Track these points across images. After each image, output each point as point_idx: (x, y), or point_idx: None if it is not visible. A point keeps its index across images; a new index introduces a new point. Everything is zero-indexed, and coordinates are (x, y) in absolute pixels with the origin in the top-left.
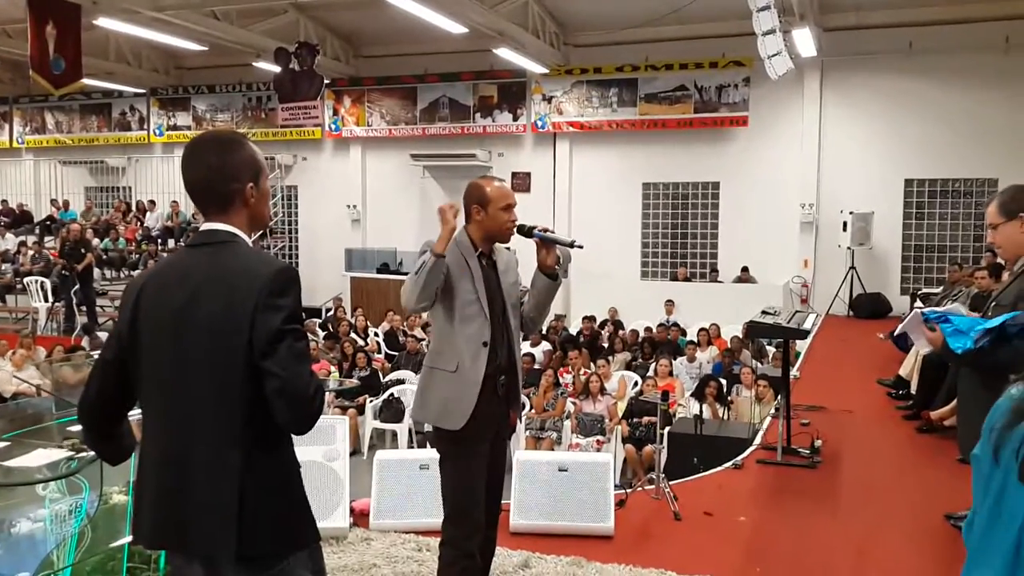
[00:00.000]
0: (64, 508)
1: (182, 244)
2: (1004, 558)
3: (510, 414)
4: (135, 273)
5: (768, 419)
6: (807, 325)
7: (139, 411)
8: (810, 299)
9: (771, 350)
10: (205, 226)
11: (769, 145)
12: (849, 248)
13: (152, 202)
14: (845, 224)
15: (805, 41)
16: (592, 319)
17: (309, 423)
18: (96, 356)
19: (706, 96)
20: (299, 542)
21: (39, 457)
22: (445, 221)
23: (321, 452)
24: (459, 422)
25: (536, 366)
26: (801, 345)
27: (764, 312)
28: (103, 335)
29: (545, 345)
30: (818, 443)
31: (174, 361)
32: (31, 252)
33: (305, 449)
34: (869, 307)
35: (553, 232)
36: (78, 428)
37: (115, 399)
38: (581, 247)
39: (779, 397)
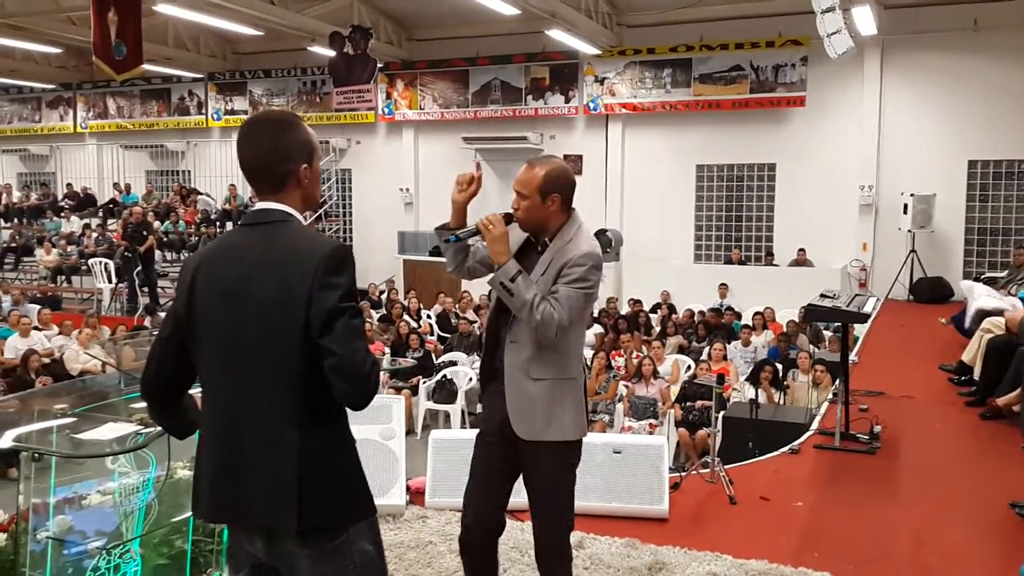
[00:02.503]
0: (132, 481)
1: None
2: None
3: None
4: None
5: (825, 404)
6: (867, 309)
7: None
8: (869, 283)
9: (828, 335)
10: (259, 205)
11: (827, 126)
12: (910, 231)
13: (195, 190)
14: (906, 206)
15: (865, 19)
16: (639, 302)
17: (367, 398)
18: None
19: (762, 76)
20: (358, 514)
21: (109, 431)
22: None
23: (378, 431)
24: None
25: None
26: (859, 330)
27: (823, 295)
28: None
29: (596, 328)
30: (877, 429)
31: (229, 340)
32: (95, 234)
33: (362, 428)
34: (930, 291)
35: (467, 230)
36: (143, 404)
37: (174, 375)
38: (476, 233)
39: (837, 382)
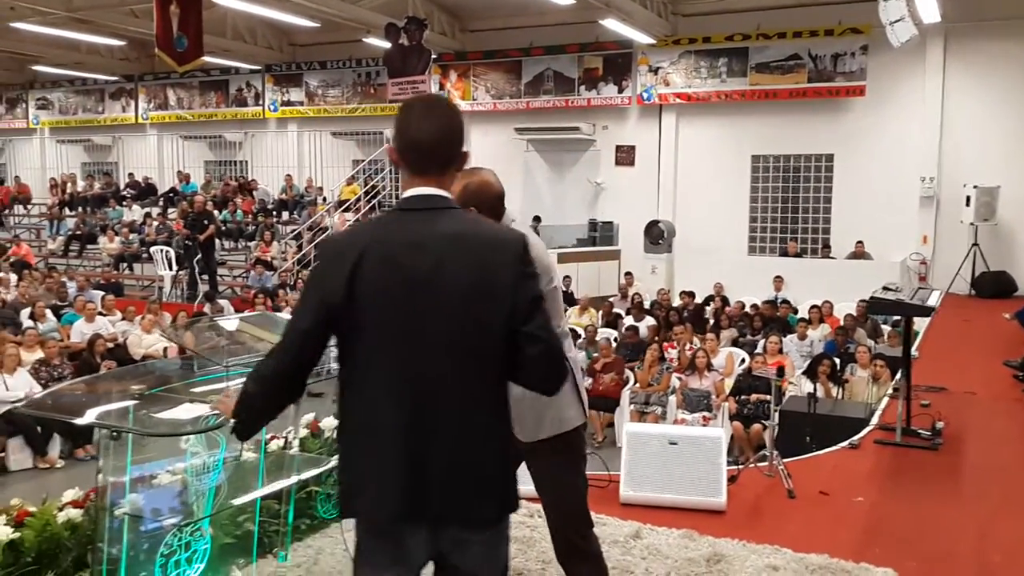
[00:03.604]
0: (203, 462)
1: (390, 209)
2: None
3: None
4: (252, 244)
5: (885, 399)
6: (931, 302)
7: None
8: (929, 277)
9: (886, 329)
10: (420, 191)
11: (887, 116)
12: (972, 224)
13: (253, 181)
14: (968, 199)
15: (928, 6)
16: (692, 295)
17: (563, 384)
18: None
19: (820, 65)
20: (518, 500)
21: (185, 411)
22: None
23: None
24: None
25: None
26: (919, 324)
27: (886, 288)
28: (224, 302)
29: (649, 320)
30: (940, 425)
31: (417, 330)
32: (155, 223)
33: None
34: (993, 286)
35: None
36: (205, 388)
37: (307, 370)
38: None
39: (897, 377)
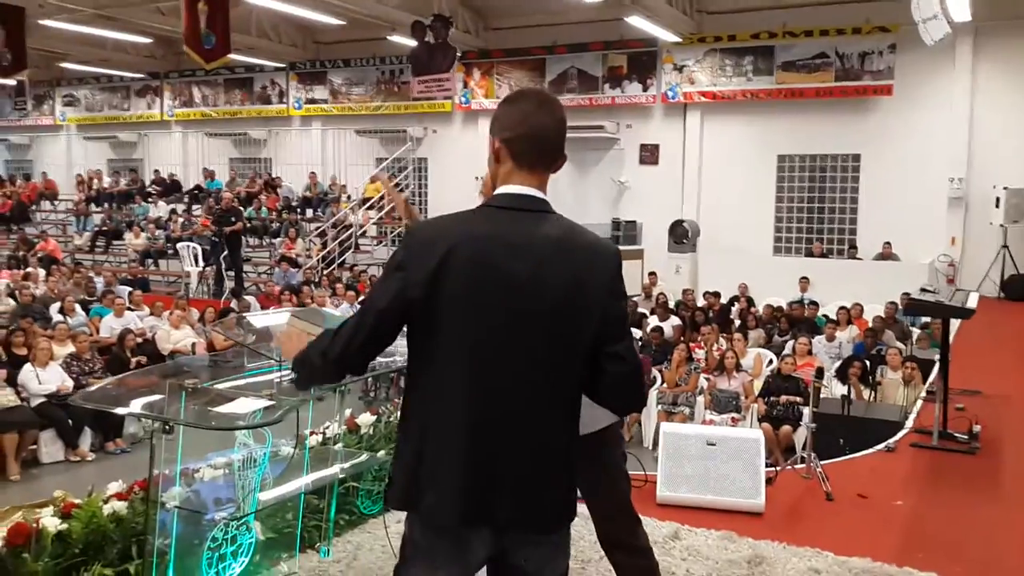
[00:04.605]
0: (250, 455)
1: (488, 207)
2: None
3: None
4: (276, 241)
5: (919, 402)
6: (970, 304)
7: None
8: (957, 279)
9: (915, 331)
10: (522, 190)
11: (915, 115)
12: (1002, 225)
13: (278, 178)
14: (998, 200)
15: (959, 4)
16: (717, 295)
17: (641, 405)
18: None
19: (848, 64)
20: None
21: (241, 405)
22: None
23: None
24: None
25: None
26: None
27: (923, 290)
28: (249, 299)
29: (674, 320)
30: (977, 428)
31: (506, 331)
32: (181, 219)
33: None
34: (1023, 288)
35: None
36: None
37: (376, 354)
38: None
39: (930, 379)
